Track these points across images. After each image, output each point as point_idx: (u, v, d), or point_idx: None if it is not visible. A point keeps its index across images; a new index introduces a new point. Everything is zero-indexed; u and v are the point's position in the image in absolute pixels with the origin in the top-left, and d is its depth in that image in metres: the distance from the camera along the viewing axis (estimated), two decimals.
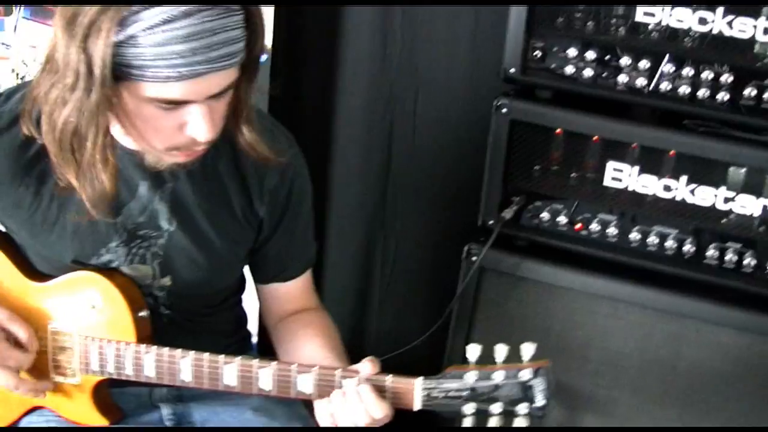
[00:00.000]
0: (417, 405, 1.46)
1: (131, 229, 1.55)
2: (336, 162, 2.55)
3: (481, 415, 1.48)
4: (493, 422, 1.50)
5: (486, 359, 1.48)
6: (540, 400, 1.47)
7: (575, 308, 1.99)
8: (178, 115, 1.35)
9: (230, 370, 1.50)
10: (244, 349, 1.87)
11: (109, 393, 1.65)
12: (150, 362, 1.54)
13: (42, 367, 1.60)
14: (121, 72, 1.28)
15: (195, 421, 1.71)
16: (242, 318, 1.89)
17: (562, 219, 1.97)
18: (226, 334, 1.80)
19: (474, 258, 2.03)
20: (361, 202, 2.58)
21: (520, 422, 1.50)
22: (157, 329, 1.61)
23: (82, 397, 1.60)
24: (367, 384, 1.44)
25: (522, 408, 1.46)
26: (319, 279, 2.61)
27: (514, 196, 2.01)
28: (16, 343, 1.55)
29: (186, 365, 1.52)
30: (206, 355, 1.51)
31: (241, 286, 1.83)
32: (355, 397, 1.44)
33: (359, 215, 2.60)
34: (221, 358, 1.51)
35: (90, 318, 1.56)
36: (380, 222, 2.57)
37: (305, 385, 1.48)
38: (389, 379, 1.46)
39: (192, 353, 1.52)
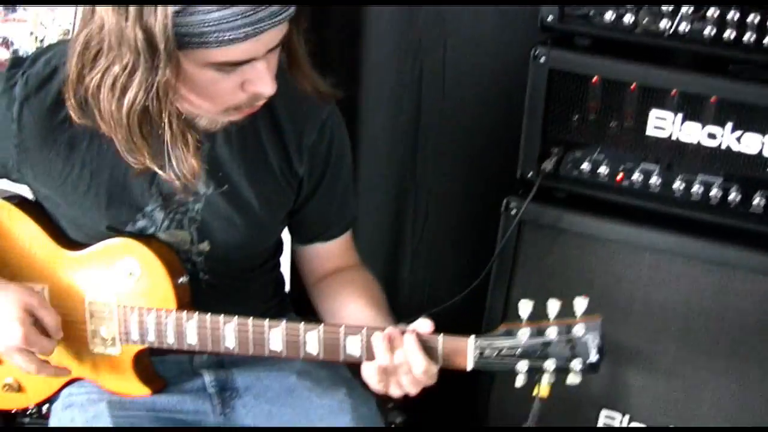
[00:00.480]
0: (470, 365, 1.42)
1: (167, 194, 1.51)
2: (364, 115, 2.48)
3: (535, 372, 1.45)
4: (546, 379, 1.47)
5: (537, 315, 1.45)
6: (593, 356, 1.42)
7: (618, 260, 1.94)
8: (239, 74, 1.31)
9: (276, 335, 1.47)
10: (283, 312, 1.82)
11: (151, 362, 1.61)
12: (192, 329, 1.50)
13: (81, 338, 1.56)
14: (181, 41, 1.23)
15: (238, 387, 1.67)
16: (280, 281, 1.85)
17: (603, 169, 1.90)
18: (265, 297, 1.76)
19: (513, 211, 1.98)
20: (391, 155, 2.52)
21: (572, 378, 1.46)
22: (197, 295, 1.57)
23: (122, 367, 1.57)
24: (415, 342, 1.40)
25: (576, 364, 1.42)
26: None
27: (553, 147, 1.95)
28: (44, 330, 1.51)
29: (230, 331, 1.48)
30: (250, 320, 1.47)
31: (279, 248, 1.78)
32: (401, 356, 1.40)
33: (389, 169, 2.54)
34: (266, 322, 1.47)
35: (128, 286, 1.52)
36: (411, 175, 2.51)
37: (354, 347, 1.45)
38: (441, 339, 1.42)
39: (236, 318, 1.48)
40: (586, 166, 1.92)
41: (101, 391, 1.60)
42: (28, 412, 1.94)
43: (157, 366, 1.63)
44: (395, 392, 1.46)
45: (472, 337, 1.41)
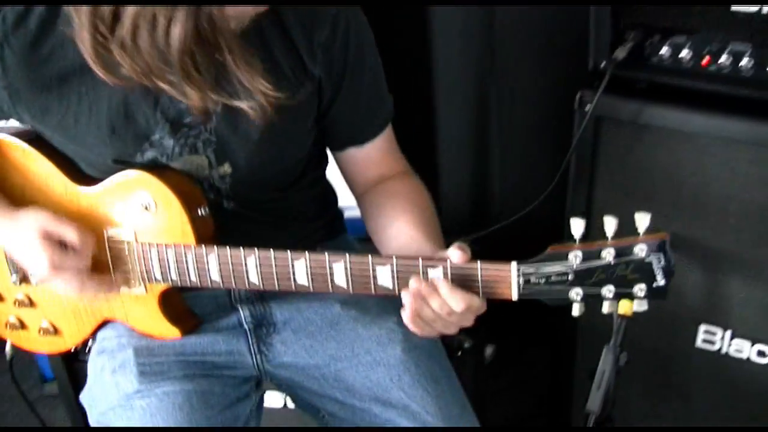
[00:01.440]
0: (515, 294, 1.24)
1: (174, 118, 1.36)
2: (436, 18, 2.26)
3: (592, 300, 1.25)
4: (606, 307, 1.27)
5: (596, 234, 1.25)
6: (660, 279, 1.21)
7: (710, 156, 1.67)
8: None
9: (300, 268, 1.31)
10: (333, 233, 1.67)
11: (182, 299, 1.49)
12: (214, 265, 1.36)
13: (106, 279, 1.44)
14: None
15: (276, 322, 1.53)
16: (327, 196, 1.67)
17: (686, 53, 1.63)
18: (307, 218, 1.59)
19: (587, 107, 1.75)
20: (467, 55, 2.29)
21: (638, 306, 1.26)
22: (224, 226, 1.43)
23: (150, 307, 1.45)
24: (446, 285, 1.23)
25: (639, 290, 1.21)
26: (433, 144, 2.39)
27: (627, 32, 1.70)
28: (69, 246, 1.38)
29: (252, 265, 1.34)
30: (272, 252, 1.32)
31: (319, 160, 1.60)
32: (437, 302, 1.24)
33: (467, 70, 2.31)
34: (289, 254, 1.31)
35: (145, 222, 1.39)
36: (489, 74, 2.28)
37: (385, 278, 1.29)
38: (480, 267, 1.24)
39: (256, 251, 1.33)
40: (666, 50, 1.65)
41: (132, 334, 1.50)
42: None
43: (192, 301, 1.51)
44: (444, 331, 1.31)
45: (514, 263, 1.22)
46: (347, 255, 1.29)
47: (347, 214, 1.93)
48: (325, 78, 1.40)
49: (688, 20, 1.62)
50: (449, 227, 2.17)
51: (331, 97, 1.43)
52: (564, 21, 2.08)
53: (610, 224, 1.21)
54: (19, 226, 1.36)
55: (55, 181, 1.43)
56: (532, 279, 1.22)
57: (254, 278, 1.35)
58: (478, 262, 1.23)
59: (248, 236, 1.41)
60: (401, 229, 1.43)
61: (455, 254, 1.23)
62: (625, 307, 1.68)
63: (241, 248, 1.34)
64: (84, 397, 1.51)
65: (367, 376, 1.50)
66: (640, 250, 1.19)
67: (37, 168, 1.44)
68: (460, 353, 1.80)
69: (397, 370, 1.49)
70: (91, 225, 1.41)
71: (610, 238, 1.21)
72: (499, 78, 2.28)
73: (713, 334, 1.78)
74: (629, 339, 1.65)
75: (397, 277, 1.28)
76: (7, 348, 1.69)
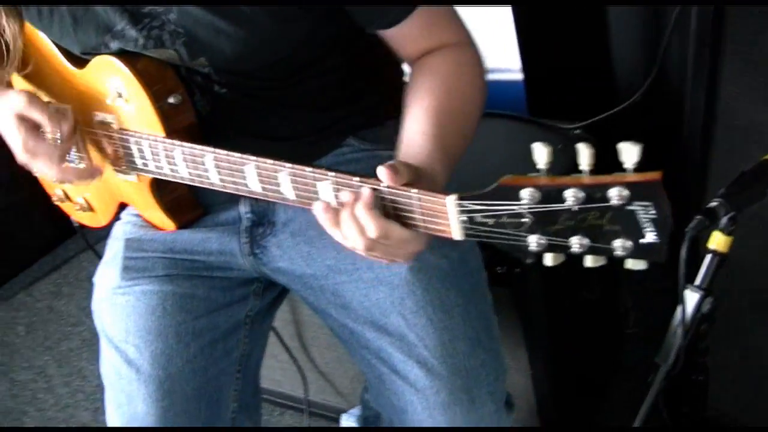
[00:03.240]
0: (456, 233, 0.94)
1: (132, 8, 1.16)
2: None
3: (561, 252, 0.92)
4: (589, 262, 0.93)
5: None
6: (649, 235, 0.86)
7: None
8: None
9: (251, 172, 1.10)
10: (376, 118, 1.37)
11: (185, 188, 1.31)
12: (180, 160, 1.18)
13: (100, 161, 1.32)
14: None
15: (275, 221, 1.33)
16: (356, 82, 1.34)
17: None
18: (330, 104, 1.31)
19: None
20: None
21: (634, 264, 0.91)
22: (219, 111, 1.24)
23: (145, 195, 1.31)
24: (360, 208, 0.99)
25: (621, 246, 0.87)
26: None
27: None
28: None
29: (210, 164, 1.14)
30: (224, 152, 1.11)
31: (350, 35, 1.29)
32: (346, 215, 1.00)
33: None
34: (238, 155, 1.10)
35: (122, 109, 1.23)
36: None
37: (326, 193, 1.04)
38: (413, 194, 0.95)
39: (213, 149, 1.13)
40: None
41: (136, 222, 1.38)
42: None
43: (201, 190, 1.28)
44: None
45: (452, 196, 0.92)
46: (288, 164, 1.05)
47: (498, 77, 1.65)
48: None
49: None
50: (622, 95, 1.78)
51: None
52: None
53: (583, 154, 0.86)
54: (2, 107, 1.26)
55: (58, 61, 1.30)
56: (478, 218, 0.92)
57: (215, 178, 1.15)
58: (413, 191, 0.95)
59: (251, 124, 1.21)
60: (414, 116, 1.15)
61: (382, 173, 0.96)
62: (719, 240, 1.32)
63: (201, 146, 1.14)
64: (94, 279, 1.42)
65: (366, 295, 1.28)
66: (618, 195, 0.84)
67: (46, 47, 1.31)
68: (519, 270, 1.49)
69: (401, 293, 1.25)
70: (86, 107, 1.28)
71: (587, 173, 0.87)
72: None
73: None
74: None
75: (337, 194, 1.02)
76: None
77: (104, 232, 1.47)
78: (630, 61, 1.79)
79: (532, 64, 1.77)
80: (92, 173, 1.30)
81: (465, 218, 0.92)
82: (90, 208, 1.47)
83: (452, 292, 1.26)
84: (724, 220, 1.25)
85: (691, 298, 1.29)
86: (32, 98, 1.24)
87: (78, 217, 1.52)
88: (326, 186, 1.03)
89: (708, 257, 1.28)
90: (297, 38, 1.20)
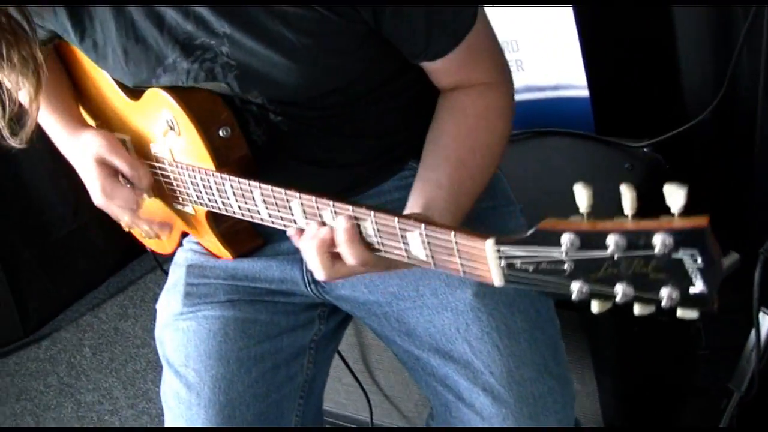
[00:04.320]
0: (497, 279, 0.89)
1: (184, 40, 1.13)
2: None
3: (605, 300, 0.86)
4: (638, 310, 0.87)
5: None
6: (699, 284, 0.79)
7: None
8: None
9: (296, 208, 1.07)
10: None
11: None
12: (231, 195, 1.16)
13: (165, 195, 1.32)
14: None
15: None
16: (415, 106, 1.29)
17: None
18: (390, 131, 1.28)
19: None
20: None
21: (685, 314, 0.84)
22: (277, 140, 1.21)
23: (203, 227, 1.30)
24: (418, 240, 0.95)
25: (668, 296, 0.80)
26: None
27: None
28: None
29: (259, 199, 1.12)
30: (271, 187, 1.08)
31: (404, 64, 1.22)
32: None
33: None
34: (284, 191, 1.07)
35: (175, 141, 1.22)
36: None
37: (370, 232, 1.00)
38: (454, 237, 0.90)
39: (259, 184, 1.10)
40: None
41: (197, 249, 1.37)
42: None
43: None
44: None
45: (490, 240, 0.87)
46: (332, 202, 1.02)
47: (563, 94, 1.61)
48: None
49: None
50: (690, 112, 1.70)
51: (373, 13, 1.08)
52: None
53: (626, 197, 0.80)
54: (78, 147, 1.30)
55: (113, 90, 1.30)
56: (518, 264, 0.86)
57: (264, 214, 1.13)
58: (452, 232, 0.90)
59: (309, 152, 1.20)
60: (433, 164, 1.15)
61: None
62: None
63: (248, 180, 1.12)
64: (157, 305, 1.43)
65: (431, 321, 1.24)
66: (663, 243, 0.77)
67: (101, 77, 1.32)
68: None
69: (465, 318, 1.22)
70: (140, 138, 1.29)
71: (630, 218, 0.81)
72: None
73: None
74: None
75: (379, 234, 0.99)
76: None
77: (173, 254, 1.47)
78: (699, 78, 1.70)
79: (599, 81, 1.70)
80: (161, 231, 1.34)
81: (504, 264, 0.87)
82: (157, 236, 1.48)
83: (518, 318, 1.22)
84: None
85: (765, 321, 1.22)
86: (112, 143, 1.27)
87: (147, 243, 1.53)
88: (369, 225, 0.99)
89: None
90: (351, 72, 1.17)
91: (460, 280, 1.22)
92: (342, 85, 1.19)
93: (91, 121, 1.41)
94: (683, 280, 0.78)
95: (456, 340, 1.22)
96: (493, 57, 1.21)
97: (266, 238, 1.34)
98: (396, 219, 0.96)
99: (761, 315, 1.22)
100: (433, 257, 0.95)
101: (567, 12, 1.75)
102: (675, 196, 0.78)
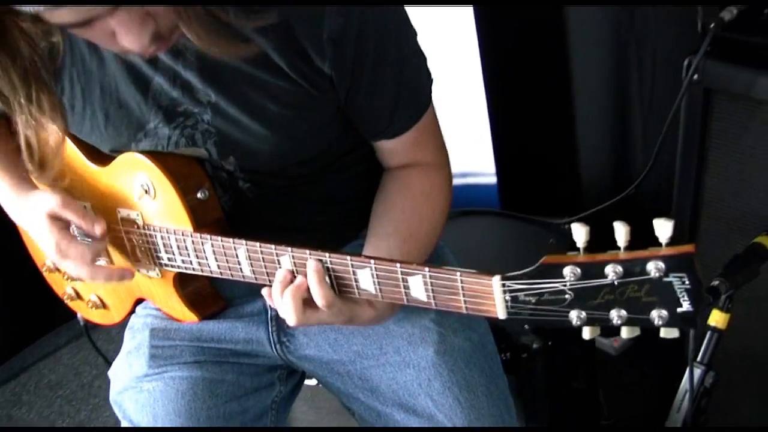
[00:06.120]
0: (501, 312, 0.97)
1: (168, 107, 1.18)
2: None
3: (600, 325, 0.96)
4: (625, 333, 0.97)
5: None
6: (686, 304, 0.90)
7: None
8: (100, 28, 0.97)
9: (285, 263, 1.12)
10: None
11: (208, 281, 1.33)
12: (210, 254, 1.19)
13: (121, 259, 1.32)
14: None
15: None
16: (373, 174, 1.38)
17: None
18: (345, 199, 1.35)
19: (696, 76, 1.39)
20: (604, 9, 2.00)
21: (667, 333, 0.95)
22: (243, 206, 1.26)
23: (168, 290, 1.31)
24: (421, 282, 1.01)
25: (659, 316, 0.90)
26: (568, 105, 2.09)
27: None
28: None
29: (243, 257, 1.16)
30: (258, 244, 1.13)
31: (361, 140, 1.33)
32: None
33: (603, 23, 2.02)
34: (273, 247, 1.12)
35: (148, 205, 1.24)
36: (629, 30, 1.95)
37: (366, 282, 1.07)
38: (459, 277, 0.98)
39: (245, 242, 1.14)
40: None
41: (157, 314, 1.37)
42: None
43: (222, 284, 1.32)
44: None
45: (497, 276, 0.95)
46: (327, 254, 1.08)
47: (475, 180, 1.71)
48: (337, 73, 1.14)
49: None
50: (588, 202, 1.88)
51: (347, 91, 1.18)
52: None
53: (620, 232, 0.91)
54: (28, 206, 1.27)
55: (76, 161, 1.31)
56: (521, 297, 0.95)
57: (247, 271, 1.17)
58: (458, 272, 0.98)
59: (273, 218, 1.24)
60: (382, 234, 1.23)
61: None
62: (717, 317, 1.36)
63: (232, 238, 1.16)
64: (110, 373, 1.41)
65: (394, 378, 1.29)
66: (656, 268, 0.88)
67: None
68: (526, 355, 1.52)
69: (427, 374, 1.27)
70: (108, 205, 1.29)
71: (622, 249, 0.91)
72: (639, 35, 1.95)
73: None
74: (733, 353, 1.31)
75: (378, 281, 1.05)
76: (79, 314, 1.63)
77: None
78: (597, 170, 1.96)
79: (506, 168, 1.87)
80: (123, 274, 1.28)
81: (509, 297, 0.95)
82: (103, 305, 1.46)
83: (475, 373, 1.28)
84: (722, 298, 1.31)
85: (694, 373, 1.33)
86: (66, 198, 1.24)
87: (89, 314, 1.50)
88: (366, 273, 1.05)
89: (708, 334, 1.33)
90: (324, 142, 1.25)
91: (422, 338, 1.29)
92: (310, 156, 1.26)
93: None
94: (672, 301, 0.89)
95: (419, 395, 1.27)
96: (438, 139, 1.32)
97: (229, 301, 1.36)
98: (398, 265, 1.02)
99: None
100: (434, 298, 1.01)
101: (481, 101, 1.93)
102: (663, 228, 0.89)
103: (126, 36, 0.97)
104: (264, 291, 1.15)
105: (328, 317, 1.11)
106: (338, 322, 1.13)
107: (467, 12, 1.99)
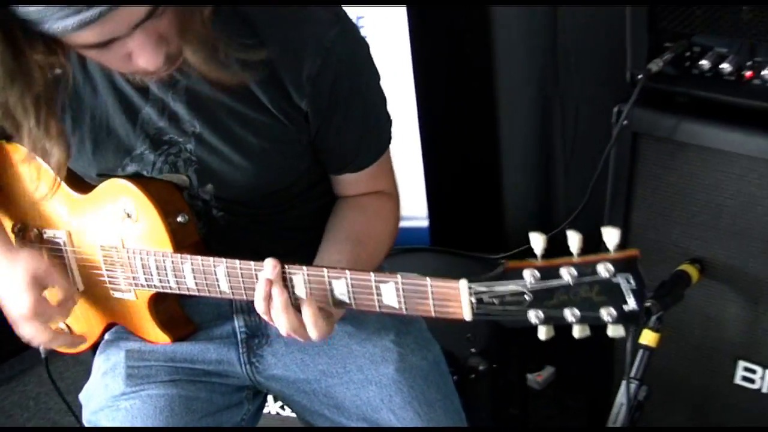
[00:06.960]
0: (467, 314, 1.07)
1: (154, 135, 1.27)
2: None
3: (555, 323, 1.07)
4: (577, 332, 1.09)
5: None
6: (631, 302, 1.02)
7: (752, 179, 1.45)
8: (117, 49, 1.06)
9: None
10: None
11: (177, 305, 1.40)
12: (189, 273, 1.27)
13: (101, 284, 1.39)
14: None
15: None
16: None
17: (727, 66, 1.42)
18: (308, 227, 1.43)
19: (626, 122, 1.55)
20: (530, 65, 2.18)
21: (613, 331, 1.07)
22: (215, 233, 1.34)
23: (142, 312, 1.37)
24: (393, 290, 1.11)
25: (607, 314, 1.02)
26: (496, 153, 2.27)
27: (666, 42, 1.50)
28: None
29: (222, 275, 1.24)
30: (238, 262, 1.21)
31: (324, 175, 1.44)
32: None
33: (529, 78, 2.20)
34: (253, 264, 1.20)
35: (129, 228, 1.31)
36: (553, 84, 2.13)
37: (341, 291, 1.15)
38: (429, 283, 1.08)
39: (224, 260, 1.22)
40: (705, 62, 1.45)
41: (129, 336, 1.43)
42: None
43: (192, 308, 1.42)
44: None
45: (464, 280, 1.06)
46: (304, 268, 1.17)
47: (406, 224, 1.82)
48: (312, 111, 1.26)
49: (731, 29, 1.41)
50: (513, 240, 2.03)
51: (319, 127, 1.30)
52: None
53: (573, 240, 1.03)
54: (14, 262, 1.32)
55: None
56: (485, 298, 1.06)
57: (225, 287, 1.25)
58: (428, 279, 1.08)
59: (243, 245, 1.32)
60: (336, 248, 1.33)
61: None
62: (649, 337, 1.48)
63: (211, 257, 1.25)
64: (81, 396, 1.45)
65: (357, 395, 1.37)
66: (605, 270, 1.00)
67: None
68: (474, 376, 1.63)
69: (389, 391, 1.36)
70: (86, 231, 1.37)
71: (575, 255, 1.04)
72: (563, 89, 2.13)
73: (753, 372, 1.53)
74: (661, 371, 1.44)
75: (353, 291, 1.15)
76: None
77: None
78: (520, 212, 2.16)
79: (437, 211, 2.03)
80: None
81: (474, 300, 1.06)
82: (70, 332, 1.51)
83: (433, 389, 1.38)
84: (653, 319, 1.44)
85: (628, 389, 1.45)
86: (50, 266, 1.33)
87: (58, 348, 1.54)
88: (341, 282, 1.15)
89: (641, 352, 1.46)
90: (296, 174, 1.35)
91: (383, 357, 1.39)
92: (282, 187, 1.35)
93: (8, 223, 1.46)
94: (619, 300, 1.01)
95: (381, 410, 1.36)
96: (393, 172, 1.44)
97: (198, 325, 1.43)
98: (372, 274, 1.12)
99: (623, 384, 1.46)
100: (405, 303, 1.11)
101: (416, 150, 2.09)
102: (610, 236, 1.01)
103: (142, 56, 1.06)
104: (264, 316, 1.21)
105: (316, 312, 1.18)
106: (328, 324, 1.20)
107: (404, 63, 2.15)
